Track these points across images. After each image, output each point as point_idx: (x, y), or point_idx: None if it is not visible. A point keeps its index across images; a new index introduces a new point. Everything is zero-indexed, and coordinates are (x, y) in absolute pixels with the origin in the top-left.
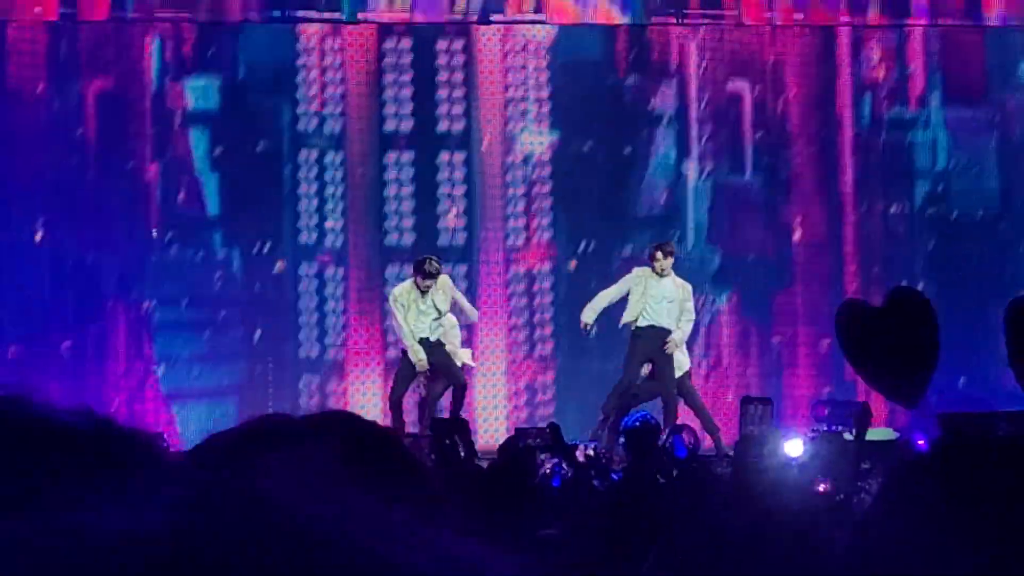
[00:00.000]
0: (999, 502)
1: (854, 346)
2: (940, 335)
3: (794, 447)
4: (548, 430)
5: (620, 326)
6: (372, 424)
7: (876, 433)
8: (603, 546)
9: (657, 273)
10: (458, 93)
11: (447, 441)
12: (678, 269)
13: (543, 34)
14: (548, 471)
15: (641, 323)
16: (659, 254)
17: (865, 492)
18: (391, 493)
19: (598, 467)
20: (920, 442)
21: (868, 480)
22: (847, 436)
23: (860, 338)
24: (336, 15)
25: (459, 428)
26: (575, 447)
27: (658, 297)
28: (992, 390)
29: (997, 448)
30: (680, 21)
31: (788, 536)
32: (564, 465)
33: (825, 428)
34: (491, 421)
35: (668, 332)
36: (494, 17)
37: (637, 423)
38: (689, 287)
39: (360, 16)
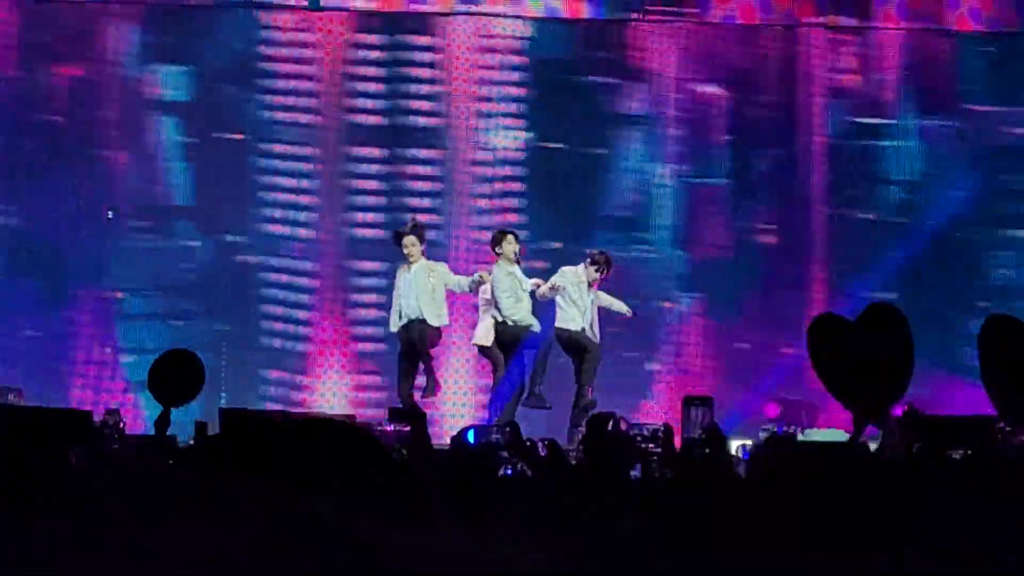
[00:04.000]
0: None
1: (825, 360)
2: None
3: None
4: (507, 429)
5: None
6: (350, 427)
7: (829, 434)
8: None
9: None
10: (429, 88)
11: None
12: (649, 268)
13: (518, 29)
14: (506, 470)
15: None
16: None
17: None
18: (372, 490)
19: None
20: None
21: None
22: (800, 436)
23: (832, 352)
24: (304, 2)
25: (415, 418)
26: (534, 445)
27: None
28: (946, 400)
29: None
30: (642, 18)
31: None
32: (520, 467)
33: (775, 428)
34: (457, 418)
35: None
36: (467, 8)
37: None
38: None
39: (331, 3)
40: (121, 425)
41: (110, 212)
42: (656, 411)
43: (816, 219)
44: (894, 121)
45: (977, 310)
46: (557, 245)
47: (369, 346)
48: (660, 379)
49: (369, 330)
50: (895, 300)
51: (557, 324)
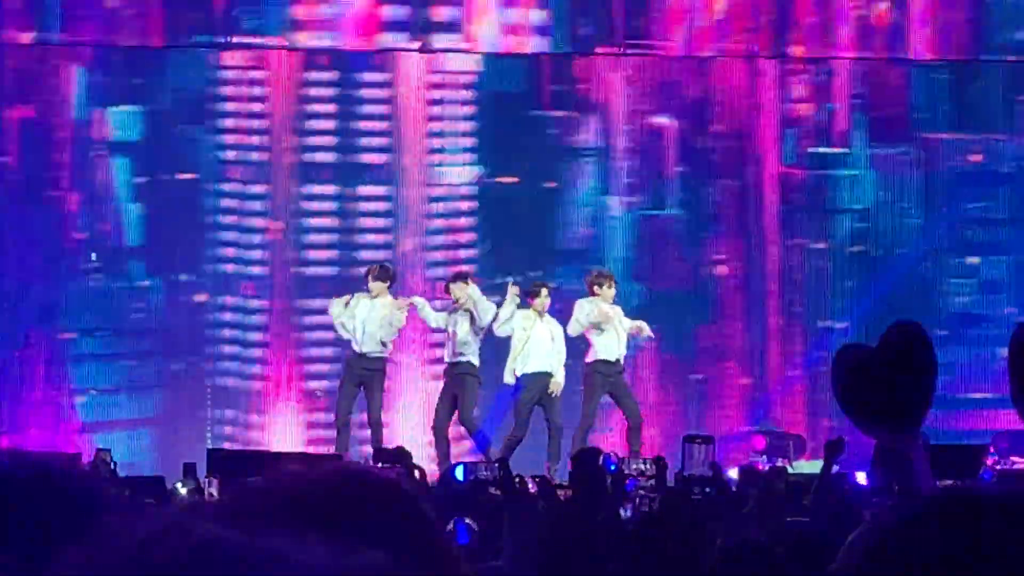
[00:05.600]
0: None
1: (852, 391)
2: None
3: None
4: (497, 465)
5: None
6: (383, 479)
7: (817, 466)
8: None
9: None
10: (381, 125)
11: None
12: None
13: (468, 65)
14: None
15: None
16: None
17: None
18: (401, 548)
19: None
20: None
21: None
22: (789, 468)
23: (857, 382)
24: (260, 40)
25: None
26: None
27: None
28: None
29: (993, 505)
30: (592, 53)
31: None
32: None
33: (765, 460)
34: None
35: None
36: (418, 45)
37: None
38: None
39: (284, 42)
40: (113, 465)
41: (93, 255)
42: (617, 442)
43: (770, 249)
44: (847, 150)
45: (935, 338)
46: (513, 279)
47: (325, 383)
48: (616, 410)
49: (324, 367)
50: (849, 329)
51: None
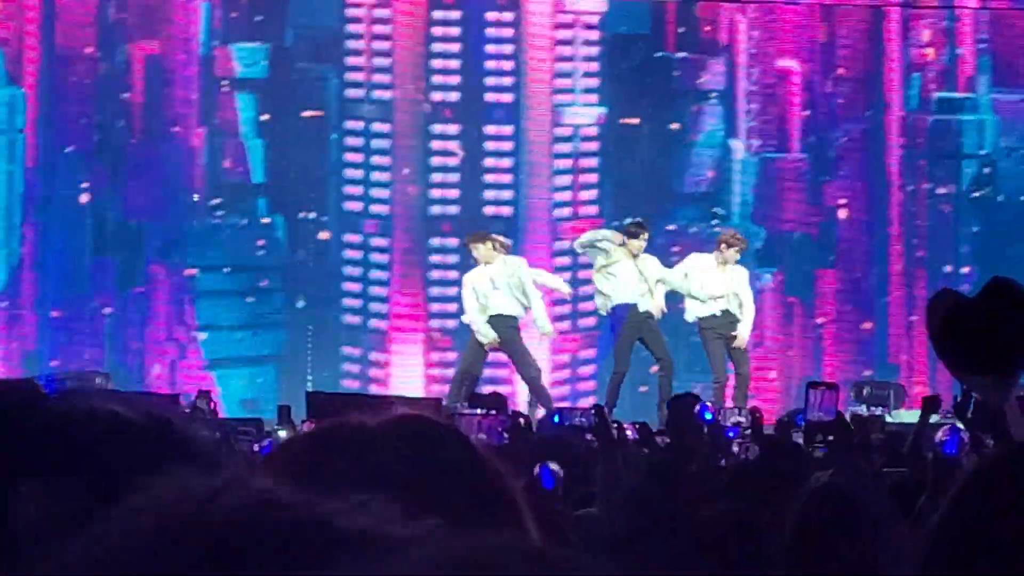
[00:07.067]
0: None
1: (944, 337)
2: None
3: None
4: (592, 412)
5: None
6: (445, 428)
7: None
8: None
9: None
10: (507, 65)
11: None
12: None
13: (595, 5)
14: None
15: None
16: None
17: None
18: (459, 499)
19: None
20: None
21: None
22: (888, 418)
23: (954, 329)
24: None
25: (498, 403)
26: (620, 426)
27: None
28: None
29: None
30: None
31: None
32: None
33: (864, 409)
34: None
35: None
36: None
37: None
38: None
39: None
40: (214, 406)
41: (195, 196)
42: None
43: (893, 194)
44: (972, 95)
45: None
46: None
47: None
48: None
49: (449, 307)
50: (972, 274)
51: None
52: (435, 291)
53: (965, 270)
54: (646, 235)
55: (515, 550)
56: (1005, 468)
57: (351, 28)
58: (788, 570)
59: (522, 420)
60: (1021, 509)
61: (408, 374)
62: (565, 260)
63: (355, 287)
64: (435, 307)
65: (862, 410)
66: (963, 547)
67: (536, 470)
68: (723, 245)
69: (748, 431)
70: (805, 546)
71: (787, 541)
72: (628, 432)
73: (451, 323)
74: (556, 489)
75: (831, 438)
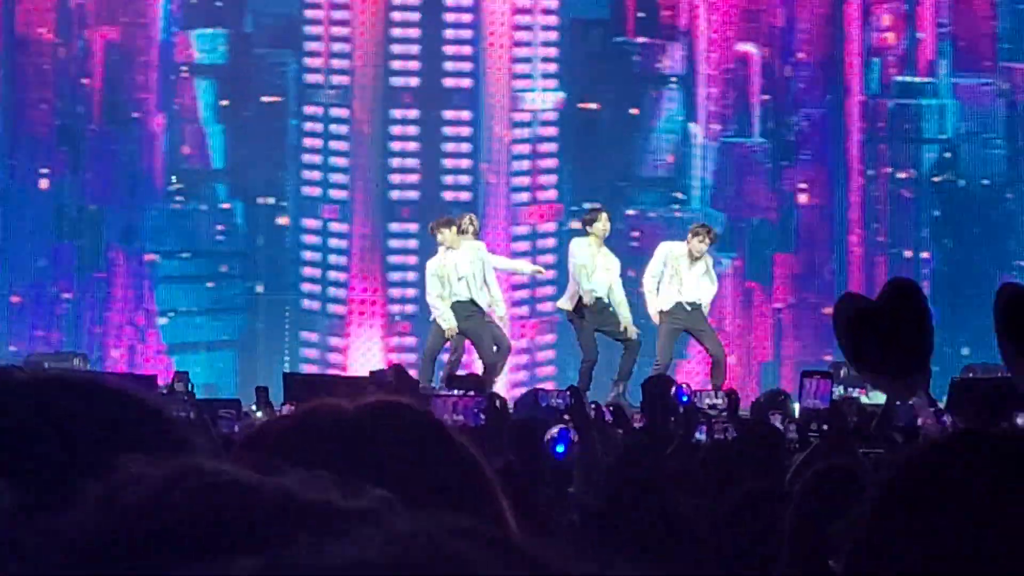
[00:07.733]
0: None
1: (851, 342)
2: (936, 323)
3: None
4: (568, 392)
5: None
6: (420, 414)
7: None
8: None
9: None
10: (465, 50)
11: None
12: (684, 229)
13: None
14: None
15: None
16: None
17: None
18: (434, 484)
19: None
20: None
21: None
22: (863, 399)
23: (858, 333)
24: None
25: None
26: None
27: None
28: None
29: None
30: None
31: None
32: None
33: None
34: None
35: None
36: None
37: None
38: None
39: None
40: (190, 388)
41: (173, 177)
42: (697, 371)
43: (854, 179)
44: (932, 80)
45: (1017, 268)
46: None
47: (409, 308)
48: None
49: (408, 292)
50: (931, 259)
51: None
52: (394, 276)
53: (925, 255)
54: (606, 215)
55: (465, 531)
56: (929, 460)
57: (310, 14)
58: (790, 549)
59: (498, 402)
60: (945, 501)
61: (367, 358)
62: (524, 245)
63: (314, 272)
64: (394, 292)
65: (839, 392)
66: (892, 539)
67: (555, 431)
68: (692, 236)
69: (724, 413)
70: (808, 525)
71: (790, 520)
72: (605, 414)
73: (410, 308)
74: (568, 456)
75: (825, 426)
